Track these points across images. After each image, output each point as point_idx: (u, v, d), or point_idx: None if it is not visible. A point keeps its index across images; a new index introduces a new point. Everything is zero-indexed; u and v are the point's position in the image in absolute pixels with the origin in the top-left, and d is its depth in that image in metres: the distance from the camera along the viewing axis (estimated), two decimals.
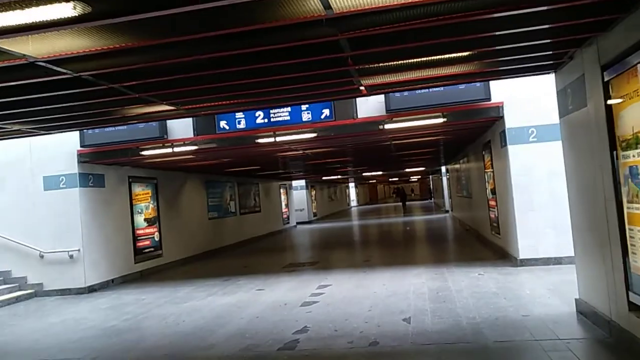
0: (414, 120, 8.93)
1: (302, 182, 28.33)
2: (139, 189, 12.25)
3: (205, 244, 15.41)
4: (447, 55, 4.77)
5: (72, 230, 9.95)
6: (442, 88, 8.42)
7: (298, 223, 27.34)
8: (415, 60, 4.87)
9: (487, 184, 11.61)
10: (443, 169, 27.00)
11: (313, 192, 30.93)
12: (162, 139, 9.60)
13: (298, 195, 28.16)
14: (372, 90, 6.18)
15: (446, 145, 14.01)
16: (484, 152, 11.57)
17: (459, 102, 8.47)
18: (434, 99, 8.45)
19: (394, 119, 8.93)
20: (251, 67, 4.71)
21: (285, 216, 24.97)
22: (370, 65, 4.95)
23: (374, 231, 21.36)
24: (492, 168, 10.60)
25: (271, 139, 9.57)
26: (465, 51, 4.75)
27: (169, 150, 9.87)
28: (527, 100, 8.64)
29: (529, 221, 8.64)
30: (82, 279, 9.92)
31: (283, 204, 24.91)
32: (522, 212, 8.70)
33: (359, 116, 8.96)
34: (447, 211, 27.10)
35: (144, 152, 9.99)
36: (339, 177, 29.43)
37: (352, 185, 50.18)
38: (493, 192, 10.82)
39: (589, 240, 5.17)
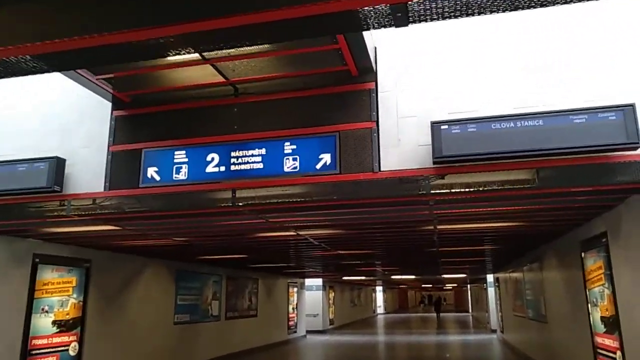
0: (480, 186, 4.86)
1: (319, 281, 23.69)
2: (52, 275, 8.21)
3: (164, 359, 10.94)
4: None
5: None
6: (539, 121, 4.48)
7: (309, 332, 22.33)
8: None
9: (589, 306, 7.09)
10: (489, 277, 22.07)
11: (331, 294, 26.08)
12: (51, 191, 5.70)
13: (312, 297, 23.41)
14: None
15: (509, 240, 9.41)
16: (584, 253, 7.19)
17: (571, 150, 4.37)
18: (519, 140, 4.43)
19: (447, 175, 4.86)
20: None
21: (291, 323, 20.13)
22: None
23: (402, 355, 16.25)
24: (610, 281, 6.17)
25: (230, 203, 5.58)
26: None
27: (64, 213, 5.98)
28: None
29: None
30: None
31: (290, 307, 20.19)
32: None
33: (382, 169, 4.94)
34: (494, 330, 21.77)
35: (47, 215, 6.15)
36: (363, 278, 24.69)
37: (379, 289, 44.62)
38: (609, 322, 6.30)
39: None
